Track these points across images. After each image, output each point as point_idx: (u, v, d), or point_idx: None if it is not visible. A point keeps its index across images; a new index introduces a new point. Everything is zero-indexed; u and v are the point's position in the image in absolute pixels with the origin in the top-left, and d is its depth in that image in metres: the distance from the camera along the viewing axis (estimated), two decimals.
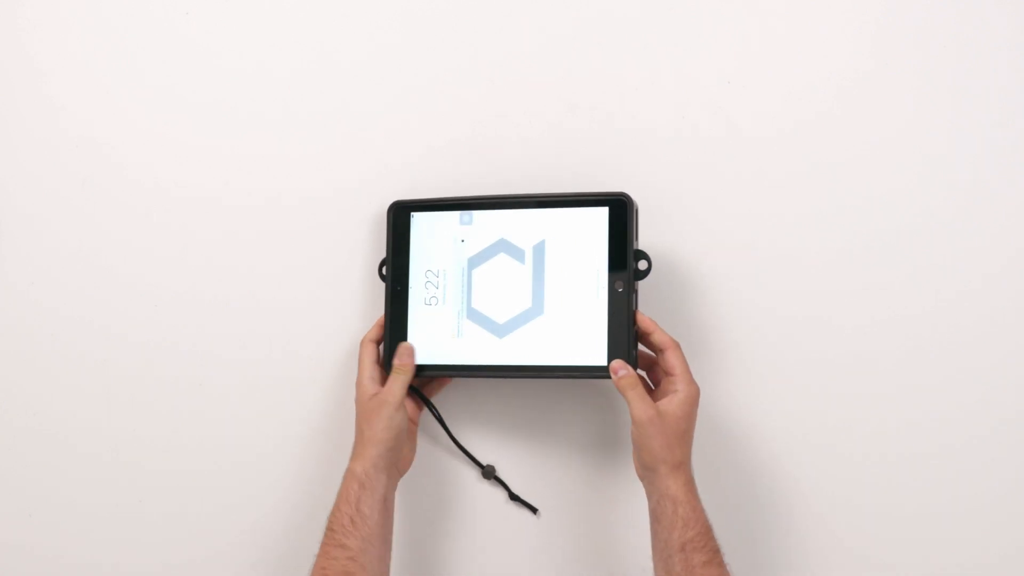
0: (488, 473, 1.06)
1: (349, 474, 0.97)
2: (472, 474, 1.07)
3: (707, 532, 0.91)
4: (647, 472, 0.94)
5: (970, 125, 1.04)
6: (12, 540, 1.08)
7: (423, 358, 1.00)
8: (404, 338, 1.01)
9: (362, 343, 1.01)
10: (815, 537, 1.05)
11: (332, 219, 1.07)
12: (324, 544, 0.95)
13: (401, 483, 1.01)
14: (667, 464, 0.93)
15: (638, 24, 1.06)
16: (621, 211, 0.97)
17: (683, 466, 0.93)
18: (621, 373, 0.95)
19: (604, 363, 0.96)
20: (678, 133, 1.05)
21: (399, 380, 0.99)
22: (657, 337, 0.97)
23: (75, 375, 1.08)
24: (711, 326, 1.05)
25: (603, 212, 0.97)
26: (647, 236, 1.00)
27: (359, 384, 1.00)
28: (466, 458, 1.06)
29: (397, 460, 1.00)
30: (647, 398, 0.94)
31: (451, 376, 1.04)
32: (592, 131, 1.06)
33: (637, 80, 1.06)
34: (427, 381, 1.05)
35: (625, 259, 0.97)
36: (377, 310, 1.04)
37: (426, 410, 1.04)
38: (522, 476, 1.06)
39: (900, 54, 1.04)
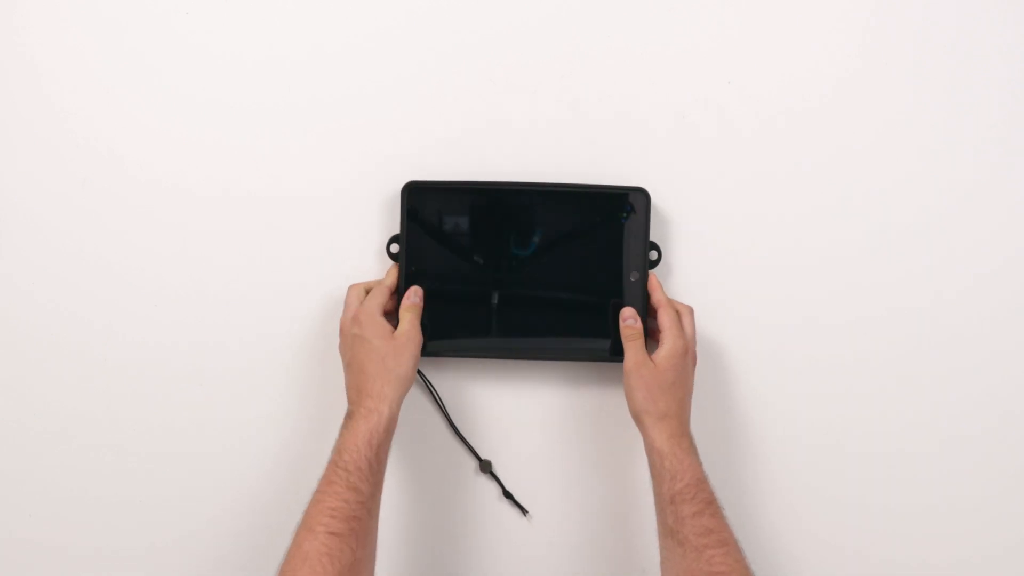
0: (485, 467, 1.07)
1: (374, 415, 0.93)
2: (470, 464, 1.08)
3: (697, 484, 0.91)
4: (637, 423, 0.95)
5: (968, 124, 1.05)
6: (12, 541, 1.08)
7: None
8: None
9: (350, 288, 1.01)
10: (812, 535, 1.06)
11: (333, 215, 1.07)
12: (333, 482, 0.90)
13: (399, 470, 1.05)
14: (651, 415, 0.94)
15: (637, 24, 1.06)
16: (640, 204, 1.01)
17: (668, 418, 0.93)
18: (628, 322, 0.98)
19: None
20: (677, 133, 1.06)
21: (415, 319, 0.98)
22: (654, 297, 0.99)
23: (76, 375, 1.08)
24: (709, 324, 1.05)
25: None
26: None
27: (370, 318, 0.98)
28: (464, 448, 1.07)
29: None
30: (642, 350, 0.96)
31: (485, 353, 1.04)
32: (591, 131, 1.06)
33: (636, 79, 1.06)
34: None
35: (642, 251, 1.00)
36: None
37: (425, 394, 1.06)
38: (517, 473, 1.07)
39: (900, 53, 1.05)
